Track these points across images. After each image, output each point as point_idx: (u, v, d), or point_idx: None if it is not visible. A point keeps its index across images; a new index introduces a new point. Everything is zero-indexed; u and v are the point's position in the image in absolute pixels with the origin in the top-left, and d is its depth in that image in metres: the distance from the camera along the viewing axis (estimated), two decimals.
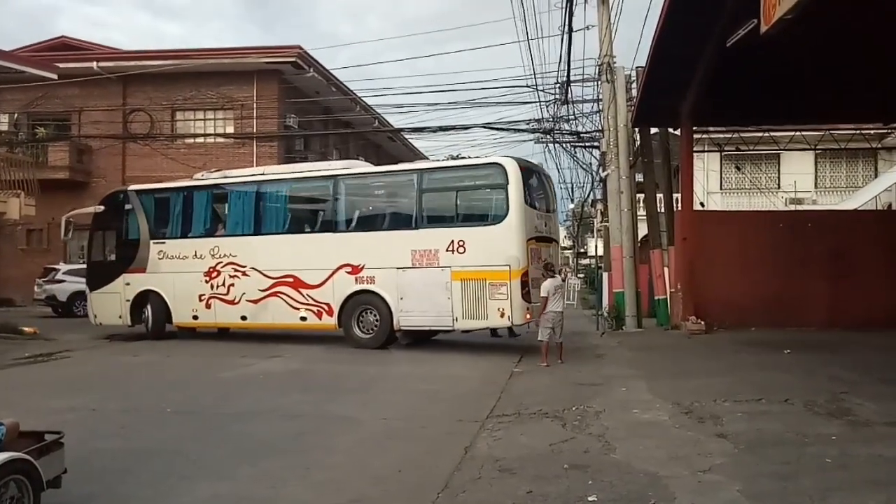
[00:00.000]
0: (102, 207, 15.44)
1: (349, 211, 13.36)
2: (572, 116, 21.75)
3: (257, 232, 13.79)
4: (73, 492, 4.56)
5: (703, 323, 14.27)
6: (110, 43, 38.72)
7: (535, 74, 25.19)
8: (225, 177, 14.90)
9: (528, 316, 11.58)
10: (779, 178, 28.96)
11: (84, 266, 22.50)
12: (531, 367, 10.65)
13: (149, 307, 14.47)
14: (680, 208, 15.78)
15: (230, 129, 25.14)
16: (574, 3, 16.51)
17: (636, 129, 17.95)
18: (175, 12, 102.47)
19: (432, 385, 9.22)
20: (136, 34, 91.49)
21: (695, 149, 17.00)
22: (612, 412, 7.18)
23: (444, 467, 5.43)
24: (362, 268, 12.57)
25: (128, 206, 14.98)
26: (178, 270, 14.19)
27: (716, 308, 14.63)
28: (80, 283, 20.75)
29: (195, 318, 14.22)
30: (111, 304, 14.81)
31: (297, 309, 13.08)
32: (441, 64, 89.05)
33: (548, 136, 22.43)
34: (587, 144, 22.73)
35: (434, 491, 4.90)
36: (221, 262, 13.78)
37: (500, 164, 12.07)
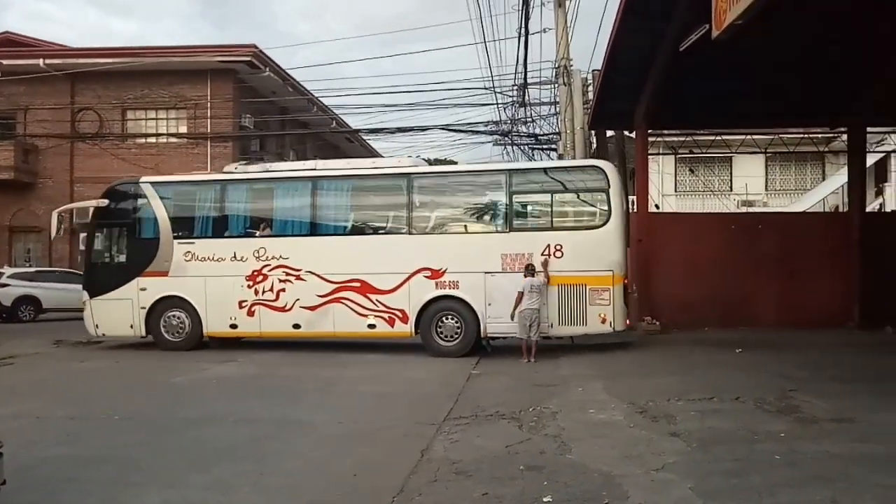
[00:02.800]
0: (106, 201, 13.47)
1: (427, 211, 12.58)
2: (530, 119, 21.93)
3: (315, 232, 12.64)
4: (14, 501, 4.40)
5: (658, 323, 14.51)
6: (58, 40, 37.66)
7: (492, 76, 25.31)
8: (266, 170, 13.61)
9: (628, 322, 11.58)
10: (731, 180, 29.63)
11: (31, 270, 21.96)
12: (489, 369, 10.66)
13: (183, 315, 12.97)
14: (635, 210, 16.00)
15: (183, 129, 24.68)
16: (531, 5, 16.65)
17: (593, 132, 18.16)
18: (126, 9, 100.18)
19: (389, 388, 9.16)
20: (86, 31, 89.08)
21: (650, 151, 17.26)
22: (569, 413, 7.22)
23: (400, 470, 5.39)
24: (444, 272, 11.89)
25: (141, 200, 13.27)
26: (211, 274, 12.71)
27: (671, 309, 14.87)
28: (25, 288, 20.24)
29: (234, 326, 12.80)
30: (120, 311, 13.02)
31: (365, 316, 12.16)
32: (399, 65, 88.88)
33: (506, 138, 22.57)
34: (545, 147, 22.91)
35: (390, 494, 4.86)
36: (269, 266, 12.53)
37: (600, 168, 11.95)
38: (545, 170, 13.55)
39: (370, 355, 12.25)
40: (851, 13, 11.18)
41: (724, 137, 22.99)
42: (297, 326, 12.52)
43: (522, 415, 7.19)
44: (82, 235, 14.22)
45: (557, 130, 19.50)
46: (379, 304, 12.14)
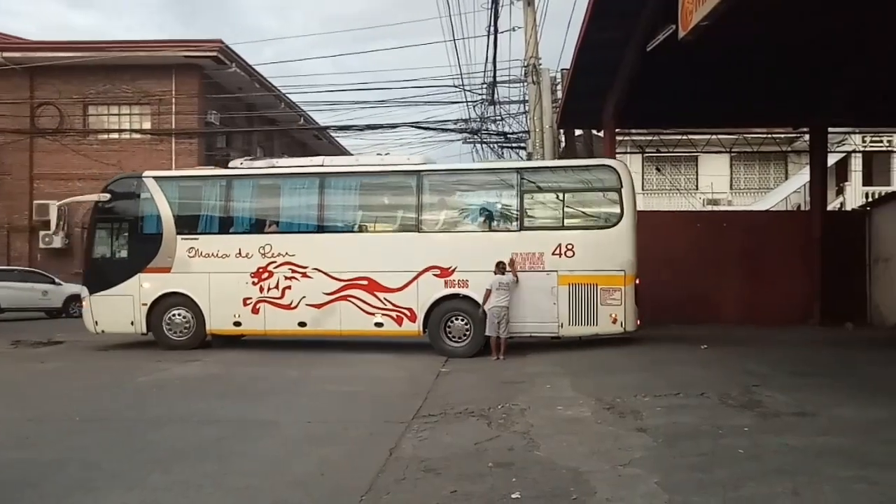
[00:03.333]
0: (108, 196, 13.19)
1: (437, 209, 12.45)
2: (499, 117, 21.98)
3: (322, 229, 12.48)
4: None
5: None
6: (16, 33, 36.74)
7: (461, 74, 25.31)
8: (273, 166, 13.31)
9: (639, 322, 11.57)
10: (697, 179, 30.04)
11: None
12: (458, 367, 10.65)
13: (186, 312, 12.72)
14: None
15: (147, 125, 24.25)
16: (500, 4, 16.69)
17: (562, 131, 18.25)
18: (87, 2, 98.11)
19: (357, 387, 9.09)
20: (45, 24, 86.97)
21: (617, 150, 17.40)
22: (537, 409, 7.24)
23: (369, 469, 5.33)
24: (453, 270, 11.77)
25: (144, 195, 12.95)
26: (215, 270, 12.50)
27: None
28: None
29: (237, 324, 12.60)
30: (120, 308, 12.76)
31: (372, 314, 12.02)
32: (368, 62, 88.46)
33: (475, 137, 22.59)
34: (514, 145, 23.00)
35: (357, 494, 4.81)
36: (275, 262, 12.33)
37: (612, 167, 11.92)
38: (557, 168, 13.46)
39: (340, 354, 12.16)
40: (813, 17, 11.39)
41: (690, 137, 23.32)
42: (302, 324, 12.34)
43: (491, 412, 7.18)
44: (42, 233, 13.84)
45: (526, 129, 19.57)
46: (387, 303, 12.00)
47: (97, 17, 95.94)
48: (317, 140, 32.31)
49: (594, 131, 19.22)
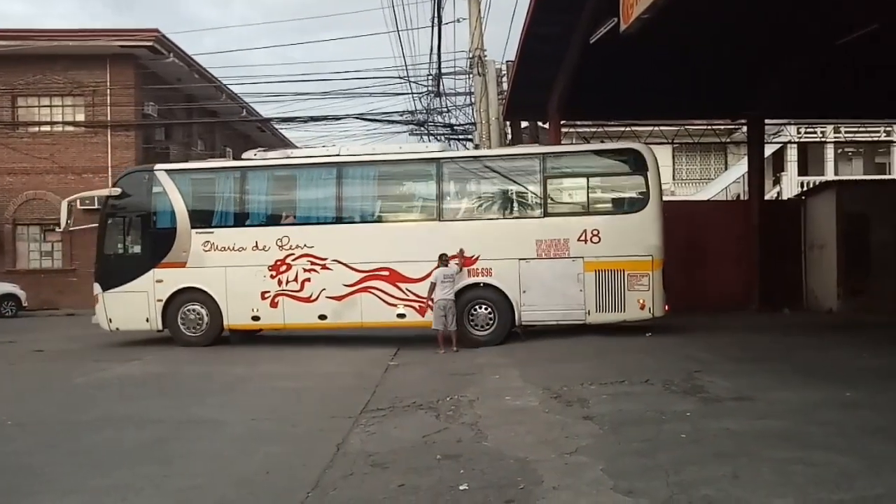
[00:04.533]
0: (119, 190, 12.83)
1: (458, 197, 12.29)
2: (445, 109, 21.96)
3: (341, 220, 12.24)
4: None
5: None
6: None
7: (406, 66, 25.18)
8: (287, 156, 12.99)
9: (667, 308, 11.48)
10: None
11: None
12: (407, 360, 10.62)
13: (200, 308, 12.36)
14: None
15: (80, 117, 23.39)
16: None
17: (508, 122, 18.32)
18: None
19: (304, 383, 8.96)
20: None
21: (563, 142, 17.58)
22: (486, 400, 7.26)
23: (315, 466, 5.27)
24: (476, 259, 11.63)
25: (156, 189, 12.60)
26: (232, 264, 12.16)
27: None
28: None
29: (256, 318, 12.29)
30: (135, 304, 12.37)
31: (394, 305, 11.78)
32: (312, 53, 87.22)
33: (421, 128, 22.53)
34: (461, 137, 23.04)
35: (304, 490, 4.74)
36: (293, 255, 12.03)
37: (637, 151, 11.79)
38: (580, 153, 13.37)
39: (287, 350, 11.99)
40: (749, 13, 11.69)
41: (634, 129, 23.73)
42: (322, 317, 12.04)
43: (440, 404, 7.17)
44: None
45: (473, 121, 19.60)
46: (409, 293, 11.78)
47: (29, 6, 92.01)
48: (260, 132, 31.75)
49: (540, 123, 19.37)
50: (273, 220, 12.60)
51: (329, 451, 5.66)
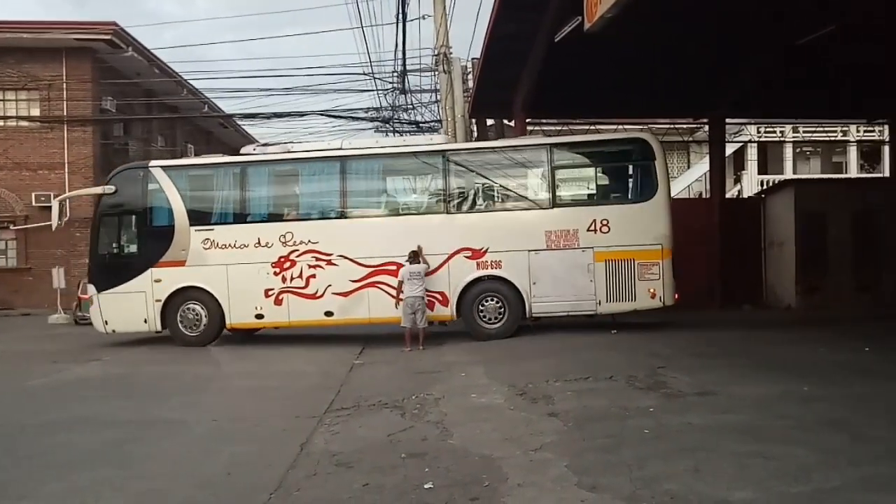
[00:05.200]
0: (113, 188, 12.41)
1: (465, 190, 12.08)
2: (411, 106, 21.90)
3: (345, 215, 11.99)
4: None
5: None
6: None
7: (371, 62, 25.03)
8: (289, 151, 12.60)
9: (677, 296, 11.47)
10: None
11: None
12: (373, 358, 10.55)
13: (198, 307, 12.02)
14: None
15: (36, 112, 22.72)
16: None
17: (473, 120, 18.34)
18: None
19: (268, 382, 8.86)
20: None
21: None
22: (451, 398, 7.25)
23: (279, 466, 5.21)
24: (485, 251, 11.50)
25: (152, 186, 12.25)
26: (233, 262, 11.85)
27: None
28: None
29: (259, 317, 11.97)
30: (132, 305, 11.98)
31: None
32: (275, 48, 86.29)
33: (387, 125, 22.43)
34: (426, 134, 22.95)
35: (266, 491, 4.69)
36: (297, 251, 11.78)
37: (645, 140, 11.78)
38: (588, 143, 13.26)
39: (250, 349, 11.84)
40: (712, 14, 11.86)
41: (599, 127, 23.94)
42: (329, 314, 11.83)
43: (405, 403, 7.14)
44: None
45: (439, 118, 19.58)
46: None
47: None
48: (222, 128, 31.31)
49: (505, 121, 19.43)
50: (276, 216, 12.34)
51: (293, 451, 5.60)
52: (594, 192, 12.15)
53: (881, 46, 13.08)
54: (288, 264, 11.84)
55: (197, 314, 12.08)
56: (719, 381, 7.29)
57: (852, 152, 31.46)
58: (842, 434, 5.28)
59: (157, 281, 12.02)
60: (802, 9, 11.71)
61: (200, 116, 28.70)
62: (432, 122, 21.49)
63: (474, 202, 12.15)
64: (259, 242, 11.89)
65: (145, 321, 12.08)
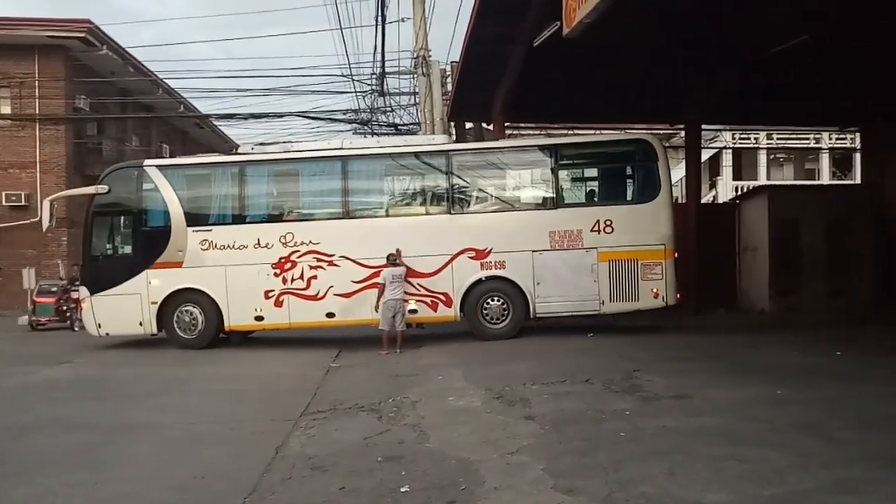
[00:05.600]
0: (106, 188, 12.09)
1: (469, 190, 12.05)
2: (389, 108, 21.86)
3: (348, 215, 11.87)
4: None
5: None
6: None
7: (349, 64, 24.98)
8: (287, 151, 12.39)
9: (679, 296, 11.55)
10: None
11: None
12: (349, 361, 10.51)
13: (193, 309, 11.79)
14: None
15: (7, 110, 22.37)
16: None
17: (452, 123, 18.35)
18: None
19: (243, 385, 8.77)
20: None
21: None
22: (428, 401, 7.23)
23: (253, 470, 5.16)
24: (489, 252, 11.49)
25: (147, 186, 11.97)
26: (232, 263, 11.64)
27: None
28: None
29: (259, 319, 11.75)
30: (127, 308, 11.68)
31: (406, 301, 11.38)
32: (253, 49, 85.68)
33: (365, 127, 22.37)
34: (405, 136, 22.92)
35: (241, 495, 4.64)
36: (298, 252, 11.61)
37: (647, 141, 11.91)
38: (591, 144, 13.36)
39: (225, 352, 11.71)
40: (688, 21, 11.98)
41: (577, 131, 24.09)
42: (331, 315, 11.69)
43: (382, 406, 7.11)
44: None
45: (417, 121, 19.57)
46: (420, 288, 11.59)
47: None
48: (198, 129, 31.01)
49: (484, 124, 19.46)
50: (276, 216, 12.18)
51: (268, 454, 5.55)
52: (598, 192, 12.30)
53: (853, 56, 13.31)
54: (289, 265, 11.69)
55: (193, 316, 11.84)
56: (694, 385, 7.35)
57: (824, 159, 32.03)
58: (815, 437, 5.35)
59: (153, 283, 11.78)
60: (777, 18, 11.87)
61: (176, 116, 28.41)
62: (411, 124, 21.47)
63: (478, 203, 12.20)
64: (259, 243, 11.72)
65: (140, 324, 11.81)
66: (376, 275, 11.46)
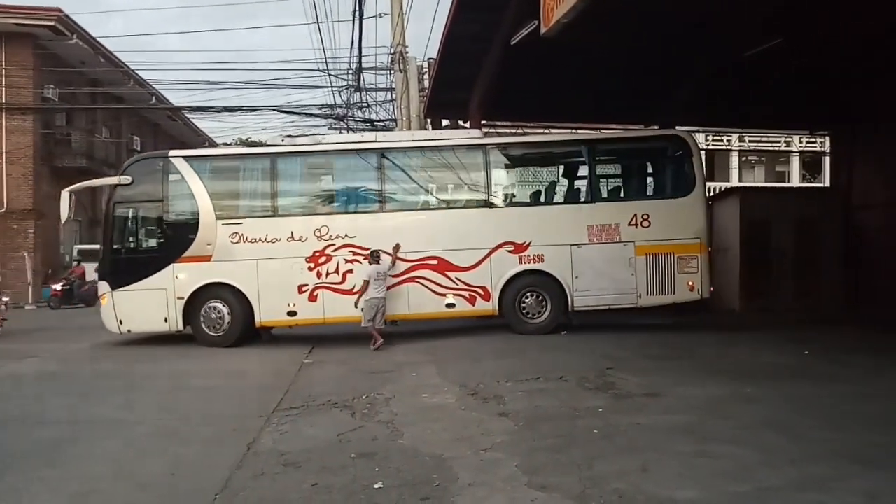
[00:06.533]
0: (129, 179, 11.55)
1: (507, 183, 12.07)
2: (366, 104, 21.77)
3: (385, 208, 11.72)
4: None
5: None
6: None
7: (326, 59, 24.82)
8: (319, 143, 12.22)
9: (712, 289, 11.74)
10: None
11: None
12: (323, 357, 10.42)
13: (221, 305, 11.33)
14: None
15: None
16: None
17: (429, 120, 18.31)
18: None
19: (215, 381, 8.67)
20: None
21: None
22: (402, 398, 7.20)
23: (225, 466, 5.10)
24: (528, 245, 11.42)
25: (173, 177, 11.51)
26: (264, 257, 11.29)
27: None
28: None
29: (292, 314, 11.40)
30: (151, 303, 11.18)
31: (443, 295, 11.37)
32: (228, 41, 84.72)
33: (341, 123, 22.24)
34: (381, 132, 22.84)
35: (212, 492, 4.58)
36: (333, 245, 11.33)
37: (681, 136, 12.00)
38: (626, 139, 13.42)
39: (196, 347, 11.54)
40: (664, 24, 12.10)
41: (552, 131, 24.21)
42: None
43: (355, 402, 7.07)
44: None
45: (394, 117, 19.51)
46: (458, 282, 11.46)
47: None
48: (171, 121, 30.61)
49: (461, 121, 19.46)
50: (311, 209, 11.88)
51: (239, 451, 5.49)
52: (634, 187, 12.42)
53: (823, 60, 13.53)
54: (323, 259, 11.43)
55: (220, 313, 11.44)
56: (666, 383, 7.43)
57: (795, 162, 32.57)
58: (782, 434, 5.43)
59: (180, 277, 11.33)
60: (749, 22, 12.03)
61: (147, 108, 28.01)
62: (387, 120, 21.40)
63: (516, 196, 12.28)
64: (292, 236, 11.41)
65: (165, 320, 11.32)
66: (414, 269, 11.42)
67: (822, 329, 12.26)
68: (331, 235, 11.45)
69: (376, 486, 4.56)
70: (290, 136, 12.93)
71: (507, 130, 22.21)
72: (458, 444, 5.41)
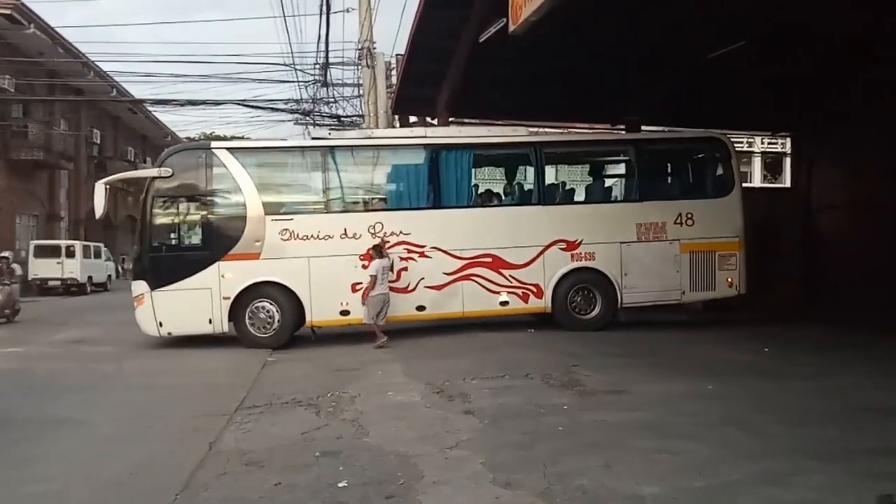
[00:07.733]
0: (169, 171, 10.83)
1: (559, 182, 12.04)
2: (333, 99, 21.61)
3: (441, 205, 11.47)
4: None
5: None
6: None
7: (292, 53, 24.60)
8: (369, 137, 12.01)
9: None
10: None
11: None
12: (288, 355, 10.33)
13: (270, 305, 10.90)
14: None
15: None
16: None
17: (396, 116, 18.25)
18: None
19: (176, 379, 8.54)
20: None
21: None
22: (368, 396, 7.17)
23: (186, 466, 5.03)
24: (579, 243, 11.52)
25: (217, 170, 10.92)
26: (316, 254, 10.89)
27: None
28: None
29: (345, 313, 11.00)
30: (195, 304, 10.61)
31: (497, 293, 11.33)
32: (192, 34, 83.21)
33: (307, 118, 22.05)
34: (348, 128, 22.70)
35: (172, 492, 4.51)
36: (388, 242, 11.06)
37: (720, 139, 12.40)
38: (669, 140, 13.74)
39: (157, 346, 11.35)
40: (631, 24, 12.21)
41: (517, 129, 24.26)
42: (421, 308, 11.27)
43: (320, 400, 7.02)
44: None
45: (361, 113, 19.40)
46: (512, 280, 11.46)
47: None
48: (132, 114, 30.05)
49: (428, 118, 19.43)
50: (364, 205, 11.75)
51: (201, 450, 5.41)
52: (679, 187, 12.70)
53: (786, 63, 13.80)
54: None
55: (270, 312, 10.99)
56: (630, 380, 7.52)
57: (756, 162, 33.18)
58: (742, 431, 5.54)
59: (225, 276, 10.79)
60: (715, 25, 12.21)
61: (108, 100, 27.44)
62: (354, 116, 21.28)
63: (568, 194, 12.50)
64: (346, 233, 11.08)
65: (210, 322, 10.76)
66: (468, 266, 11.38)
67: (781, 327, 12.52)
68: (385, 232, 11.20)
69: (341, 484, 4.53)
70: (335, 129, 12.74)
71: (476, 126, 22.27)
72: (424, 442, 5.41)
